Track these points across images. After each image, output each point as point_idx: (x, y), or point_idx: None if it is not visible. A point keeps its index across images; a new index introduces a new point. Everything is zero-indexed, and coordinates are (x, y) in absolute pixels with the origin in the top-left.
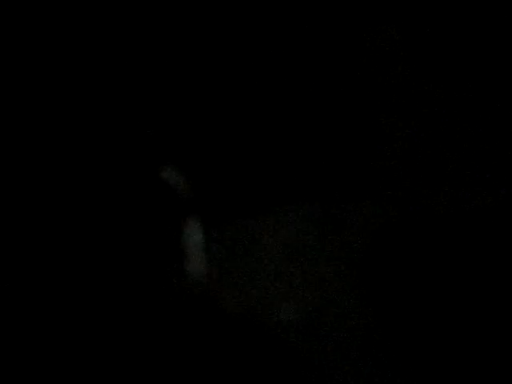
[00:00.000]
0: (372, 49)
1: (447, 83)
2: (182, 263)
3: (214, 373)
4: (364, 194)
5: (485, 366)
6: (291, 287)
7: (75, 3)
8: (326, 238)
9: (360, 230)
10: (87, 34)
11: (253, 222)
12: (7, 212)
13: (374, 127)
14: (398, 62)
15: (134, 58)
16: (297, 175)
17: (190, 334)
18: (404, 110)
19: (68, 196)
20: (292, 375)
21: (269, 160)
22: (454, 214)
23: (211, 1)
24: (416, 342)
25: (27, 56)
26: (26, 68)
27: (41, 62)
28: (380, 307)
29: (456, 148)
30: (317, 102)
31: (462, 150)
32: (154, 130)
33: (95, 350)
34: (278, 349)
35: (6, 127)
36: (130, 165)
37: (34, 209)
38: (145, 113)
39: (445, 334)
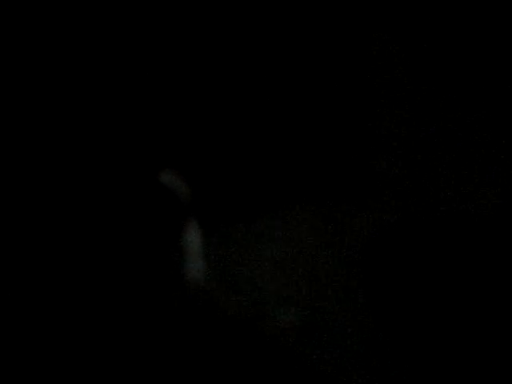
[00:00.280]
0: (370, 53)
1: (446, 87)
2: (182, 267)
3: (214, 376)
4: (364, 197)
5: (485, 367)
6: (291, 291)
7: (75, 3)
8: (326, 241)
9: (360, 232)
10: (87, 38)
11: (252, 225)
12: (8, 217)
13: (373, 130)
14: (397, 66)
15: (134, 63)
16: (296, 178)
17: (190, 337)
18: (403, 113)
19: (68, 199)
20: (292, 378)
21: (268, 163)
22: (454, 217)
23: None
24: (417, 343)
25: (27, 57)
26: (25, 69)
27: (41, 64)
28: (380, 310)
29: (455, 151)
30: (317, 105)
31: (461, 153)
32: (153, 135)
33: (96, 353)
34: (278, 352)
35: (6, 128)
36: (129, 169)
37: (34, 211)
38: (145, 117)
39: (446, 339)
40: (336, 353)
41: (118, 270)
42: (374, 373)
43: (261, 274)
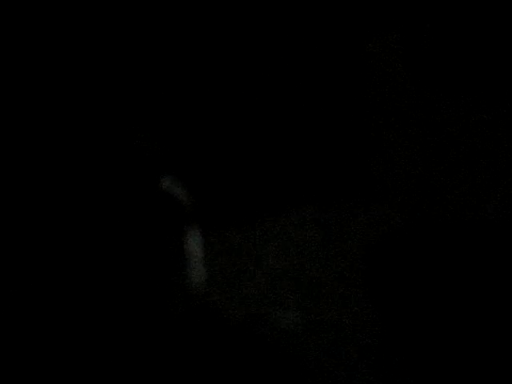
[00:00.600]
0: (371, 55)
1: (447, 89)
2: (183, 271)
3: (215, 380)
4: (365, 200)
5: (486, 372)
6: (292, 294)
7: (75, 3)
8: (327, 244)
9: (361, 236)
10: (86, 42)
11: (253, 229)
12: (9, 224)
13: (374, 133)
14: (398, 67)
15: (135, 68)
16: (298, 180)
17: (191, 342)
18: (405, 116)
19: (69, 205)
20: (293, 382)
21: (269, 166)
22: (457, 218)
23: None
24: (419, 346)
25: (27, 58)
26: (25, 72)
27: (41, 68)
28: (382, 313)
29: (457, 154)
30: (319, 107)
31: (463, 156)
32: (153, 141)
33: (97, 357)
34: (279, 356)
35: (6, 129)
36: (130, 175)
37: (36, 214)
38: (145, 123)
39: (448, 341)
40: (337, 357)
41: (120, 275)
42: (374, 376)
43: (261, 278)
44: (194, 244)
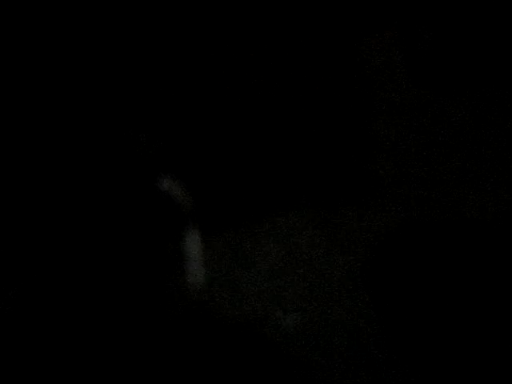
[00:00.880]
0: (370, 56)
1: (446, 89)
2: (182, 272)
3: (215, 381)
4: (364, 201)
5: (484, 370)
6: (292, 295)
7: (75, 3)
8: (327, 245)
9: (361, 236)
10: (86, 42)
11: (252, 230)
12: (10, 227)
13: (374, 134)
14: (397, 69)
15: (134, 68)
16: (296, 182)
17: (191, 342)
18: (404, 117)
19: (68, 206)
20: (293, 381)
21: (268, 168)
22: (454, 220)
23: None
24: (419, 347)
25: (27, 59)
26: (25, 72)
27: (41, 68)
28: (381, 314)
29: (456, 155)
30: (316, 108)
31: (462, 156)
32: (152, 142)
33: (97, 358)
34: (279, 357)
35: (6, 131)
36: (129, 176)
37: (35, 218)
38: (145, 124)
39: (449, 341)
40: (337, 358)
41: (119, 276)
42: (375, 376)
43: (261, 279)
44: (194, 245)
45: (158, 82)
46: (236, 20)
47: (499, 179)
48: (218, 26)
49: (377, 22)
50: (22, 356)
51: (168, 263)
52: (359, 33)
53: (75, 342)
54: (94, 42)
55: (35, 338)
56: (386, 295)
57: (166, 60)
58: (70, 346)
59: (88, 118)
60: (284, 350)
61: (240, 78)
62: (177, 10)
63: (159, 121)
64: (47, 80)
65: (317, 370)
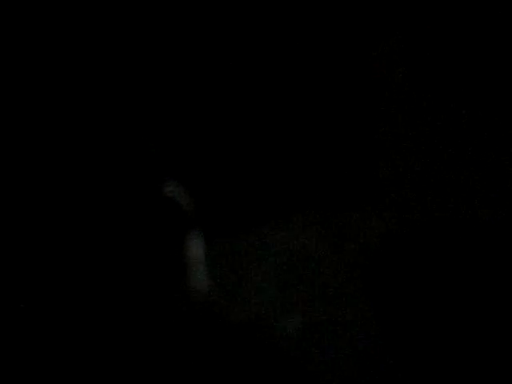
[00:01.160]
0: (372, 59)
1: (448, 93)
2: (185, 277)
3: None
4: (366, 204)
5: (482, 370)
6: (294, 299)
7: (75, 4)
8: (327, 248)
9: (362, 239)
10: (88, 44)
11: (254, 234)
12: (10, 229)
13: (375, 137)
14: (399, 72)
15: (137, 72)
16: (298, 185)
17: (193, 346)
18: (405, 120)
19: (71, 209)
20: None
21: (270, 172)
22: (455, 223)
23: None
24: (419, 349)
25: (28, 60)
26: (27, 74)
27: (43, 70)
28: (383, 317)
29: (457, 157)
30: (318, 111)
31: (463, 159)
32: (156, 146)
33: (98, 361)
34: (280, 360)
35: (6, 133)
36: (132, 180)
37: (39, 220)
38: (147, 128)
39: (448, 344)
40: (338, 360)
41: (122, 279)
42: (376, 378)
43: (263, 282)
44: (196, 248)
45: (162, 85)
46: (237, 27)
47: (499, 182)
48: (220, 31)
49: (379, 30)
50: (21, 356)
51: (171, 266)
52: (362, 40)
53: (77, 344)
54: (96, 43)
55: (37, 339)
56: (387, 298)
57: (170, 64)
58: (72, 347)
59: (91, 121)
60: (286, 352)
61: (242, 83)
62: (175, 11)
63: (162, 125)
64: (50, 82)
65: (318, 372)
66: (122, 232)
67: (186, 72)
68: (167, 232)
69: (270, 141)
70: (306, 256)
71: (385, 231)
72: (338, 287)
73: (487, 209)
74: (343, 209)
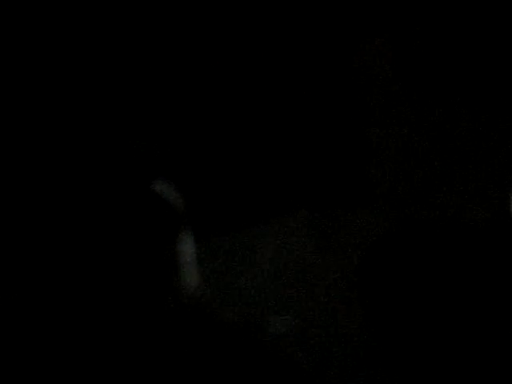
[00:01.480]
0: (364, 60)
1: (441, 94)
2: (175, 277)
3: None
4: (359, 204)
5: (479, 372)
6: (287, 299)
7: (75, 4)
8: (321, 248)
9: (356, 239)
10: (83, 45)
11: (246, 233)
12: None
13: (367, 138)
14: (391, 73)
15: (128, 71)
16: (290, 185)
17: (184, 346)
18: (398, 120)
19: (61, 207)
20: None
21: (262, 171)
22: (450, 222)
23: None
24: (414, 350)
25: (25, 59)
26: (23, 73)
27: (37, 70)
28: (377, 317)
29: (451, 158)
30: (310, 111)
31: (457, 160)
32: (145, 144)
33: (91, 361)
34: (273, 361)
35: (3, 131)
36: (122, 178)
37: (29, 219)
38: (138, 126)
39: (444, 346)
40: (332, 360)
41: (112, 279)
42: (369, 378)
43: (256, 282)
44: (188, 248)
45: (153, 83)
46: (230, 26)
47: (494, 183)
48: (213, 29)
49: (367, 30)
50: (19, 356)
51: (161, 266)
52: (350, 40)
53: (68, 342)
54: (92, 44)
55: (33, 339)
56: (380, 299)
57: (161, 63)
58: (64, 348)
59: (82, 120)
60: (278, 353)
61: (235, 82)
62: (174, 12)
63: (153, 123)
64: (44, 81)
65: (311, 373)
66: (110, 231)
67: (178, 70)
68: (157, 231)
69: (262, 141)
70: (298, 257)
71: (378, 233)
72: (330, 288)
73: (483, 210)
74: (335, 210)
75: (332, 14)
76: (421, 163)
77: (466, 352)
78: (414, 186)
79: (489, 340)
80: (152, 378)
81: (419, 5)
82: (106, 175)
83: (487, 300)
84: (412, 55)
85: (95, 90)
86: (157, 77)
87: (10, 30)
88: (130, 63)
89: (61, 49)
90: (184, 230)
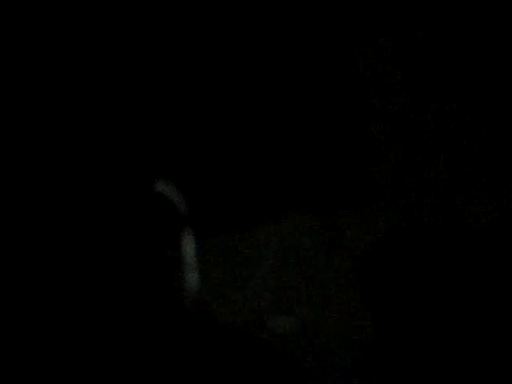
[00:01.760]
0: (366, 59)
1: (442, 94)
2: (176, 276)
3: None
4: (361, 204)
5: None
6: (288, 299)
7: (75, 4)
8: (322, 248)
9: (358, 240)
10: (85, 46)
11: (248, 233)
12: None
13: (371, 139)
14: (393, 73)
15: (131, 73)
16: (293, 186)
17: (186, 346)
18: (401, 121)
19: (63, 208)
20: None
21: (264, 172)
22: (450, 224)
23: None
24: (415, 350)
25: (27, 61)
26: (24, 75)
27: (39, 71)
28: (377, 317)
29: (452, 159)
30: (313, 113)
31: (458, 160)
32: (147, 145)
33: (92, 361)
34: (274, 360)
35: (5, 132)
36: (125, 179)
37: (32, 219)
38: (141, 128)
39: (444, 345)
40: (333, 360)
41: (114, 281)
42: (370, 376)
43: (257, 282)
44: (189, 249)
45: (155, 86)
46: (231, 26)
47: (495, 185)
48: (214, 30)
49: (372, 29)
50: (20, 356)
51: (163, 267)
52: (355, 39)
53: (70, 343)
54: (94, 45)
55: (34, 340)
56: (380, 299)
57: (164, 65)
58: (66, 346)
59: (85, 122)
60: (280, 353)
61: (237, 84)
62: (175, 13)
63: (156, 125)
64: (46, 82)
65: (312, 372)
66: (114, 232)
67: (180, 73)
68: (159, 233)
69: (265, 141)
70: (299, 257)
71: (380, 233)
72: (332, 288)
73: (483, 211)
74: (338, 211)
75: (336, 14)
76: (423, 164)
77: (466, 352)
78: (418, 188)
79: (489, 339)
80: (153, 377)
81: (422, 5)
82: (108, 176)
83: (487, 300)
84: (415, 55)
85: (98, 93)
86: (159, 79)
87: (11, 30)
88: (135, 66)
89: (63, 50)
90: (186, 232)
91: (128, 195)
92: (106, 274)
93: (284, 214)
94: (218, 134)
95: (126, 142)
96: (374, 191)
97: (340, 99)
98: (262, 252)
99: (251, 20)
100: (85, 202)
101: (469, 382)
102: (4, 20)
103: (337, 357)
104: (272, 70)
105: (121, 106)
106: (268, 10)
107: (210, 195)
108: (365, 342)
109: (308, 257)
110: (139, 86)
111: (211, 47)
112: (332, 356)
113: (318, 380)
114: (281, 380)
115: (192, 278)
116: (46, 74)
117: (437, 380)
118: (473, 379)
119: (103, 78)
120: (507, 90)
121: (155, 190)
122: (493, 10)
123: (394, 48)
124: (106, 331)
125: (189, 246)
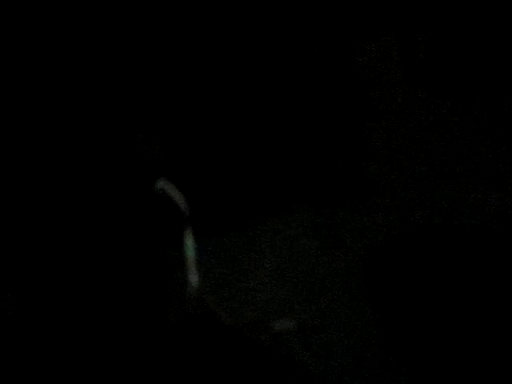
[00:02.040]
0: (366, 60)
1: (442, 92)
2: (178, 276)
3: None
4: (362, 205)
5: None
6: (289, 301)
7: (75, 4)
8: (323, 247)
9: (358, 240)
10: (86, 44)
11: (249, 233)
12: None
13: (371, 139)
14: (392, 72)
15: (133, 72)
16: (293, 184)
17: (186, 348)
18: (400, 121)
19: (65, 207)
20: None
21: (265, 171)
22: (451, 223)
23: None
24: (417, 349)
25: (28, 61)
26: (26, 74)
27: (41, 70)
28: (380, 317)
29: (452, 156)
30: (312, 111)
31: (457, 158)
32: (148, 145)
33: (93, 361)
34: (276, 362)
35: (6, 132)
36: (127, 179)
37: (32, 218)
38: (143, 128)
39: (447, 345)
40: (335, 362)
41: (115, 280)
42: (373, 377)
43: (259, 284)
44: (190, 249)
45: (157, 85)
46: (233, 26)
47: (495, 185)
48: (216, 30)
49: (374, 27)
50: (21, 356)
51: (164, 266)
52: (357, 38)
53: (70, 343)
54: (94, 44)
55: (35, 340)
56: (382, 298)
57: (165, 64)
58: (66, 347)
59: (86, 122)
60: (281, 355)
61: (238, 83)
62: (174, 13)
63: (158, 125)
64: (47, 81)
65: (315, 375)
66: (115, 231)
67: (182, 72)
68: (160, 232)
69: (264, 141)
70: (300, 258)
71: (380, 233)
72: (333, 289)
73: (484, 209)
74: (338, 211)
75: (338, 13)
76: (425, 164)
77: (467, 352)
78: (417, 187)
79: (489, 339)
80: (153, 377)
81: (424, 4)
82: (109, 176)
83: (488, 300)
84: (417, 53)
85: (100, 93)
86: (160, 80)
87: (11, 30)
88: (137, 66)
89: (64, 50)
90: (187, 231)
91: (128, 195)
92: (105, 274)
93: (284, 214)
94: (218, 134)
95: (127, 141)
96: (374, 192)
97: (340, 98)
98: (263, 253)
99: (252, 18)
100: (85, 202)
101: (471, 382)
102: (4, 20)
103: (337, 357)
104: (272, 68)
105: (121, 106)
106: (269, 7)
107: (210, 195)
108: (365, 342)
109: (309, 257)
110: (141, 86)
111: (211, 46)
112: (332, 356)
113: (318, 380)
114: (281, 380)
115: (192, 278)
116: (46, 74)
117: (437, 380)
118: (474, 379)
119: (103, 78)
120: (509, 89)
121: (155, 189)
122: (495, 9)
123: (397, 46)
124: (105, 331)
125: (189, 246)
